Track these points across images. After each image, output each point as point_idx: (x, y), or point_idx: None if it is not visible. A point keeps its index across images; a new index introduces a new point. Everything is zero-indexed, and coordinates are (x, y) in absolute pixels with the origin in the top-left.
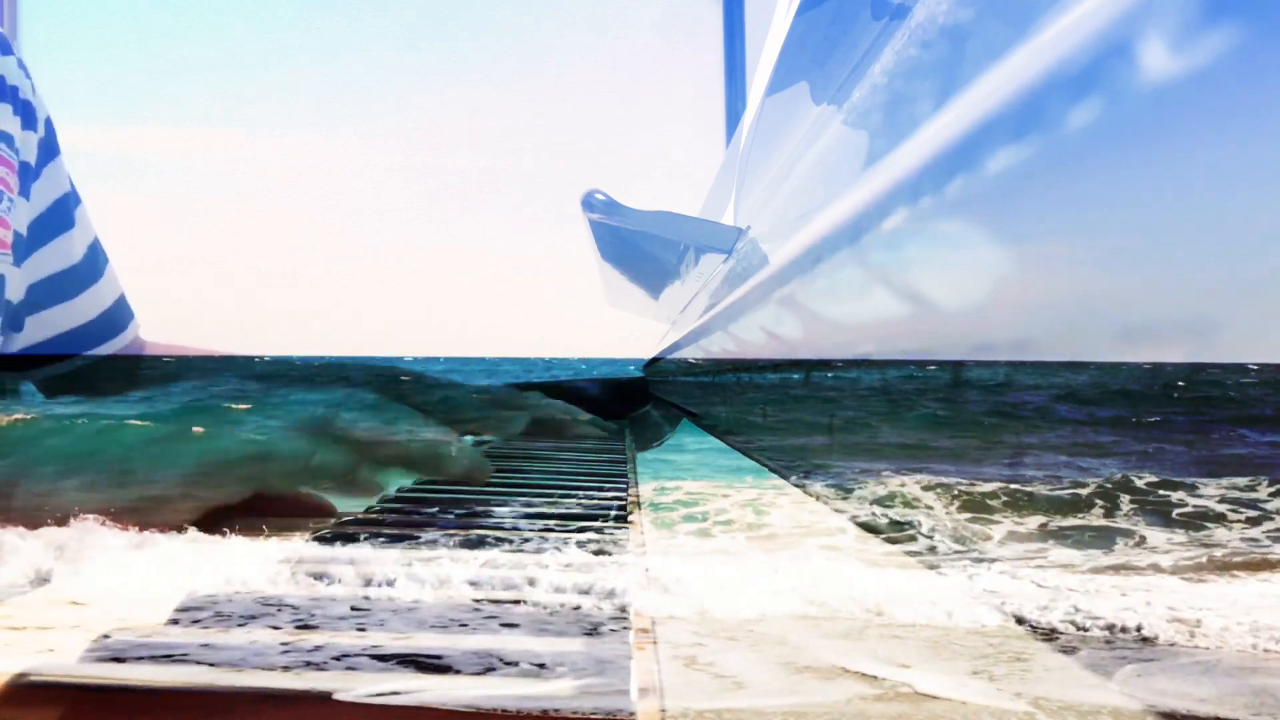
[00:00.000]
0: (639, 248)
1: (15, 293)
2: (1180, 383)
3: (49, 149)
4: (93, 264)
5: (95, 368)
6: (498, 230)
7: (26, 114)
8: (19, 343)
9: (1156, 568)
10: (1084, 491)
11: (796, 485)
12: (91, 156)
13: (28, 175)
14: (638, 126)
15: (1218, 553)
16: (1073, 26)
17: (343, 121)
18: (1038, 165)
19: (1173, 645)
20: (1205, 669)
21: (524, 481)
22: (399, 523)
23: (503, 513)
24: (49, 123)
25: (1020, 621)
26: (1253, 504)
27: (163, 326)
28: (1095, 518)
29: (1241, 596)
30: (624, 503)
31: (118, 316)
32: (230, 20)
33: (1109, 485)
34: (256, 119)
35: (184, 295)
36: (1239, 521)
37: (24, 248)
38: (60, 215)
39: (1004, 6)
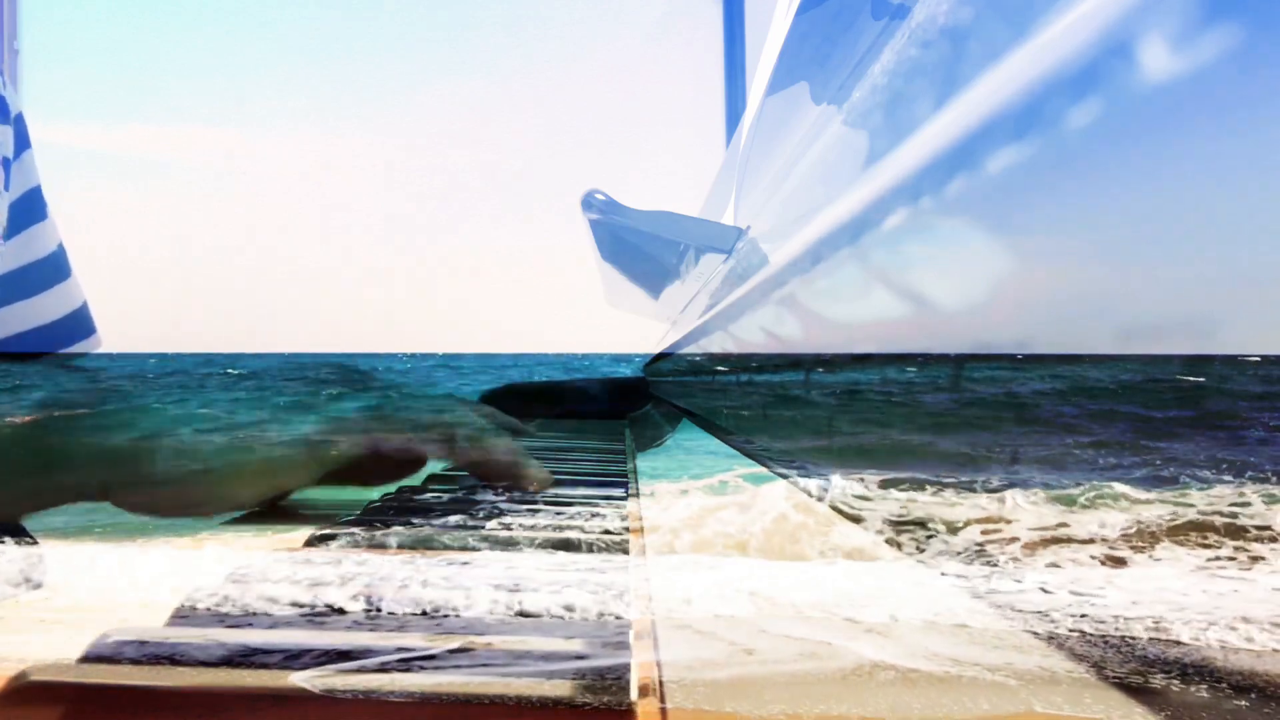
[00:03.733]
0: (639, 248)
1: None
2: (1180, 377)
3: (20, 142)
4: (61, 262)
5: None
6: (497, 228)
7: (1, 108)
8: None
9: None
10: (1078, 491)
11: (791, 482)
12: (90, 155)
13: (7, 168)
14: (638, 126)
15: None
16: (1073, 26)
17: (343, 119)
18: (1038, 164)
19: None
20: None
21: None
22: (399, 523)
23: (499, 509)
24: (20, 117)
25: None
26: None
27: (160, 322)
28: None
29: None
30: (624, 499)
31: (82, 322)
32: (229, 18)
33: (1102, 488)
34: (256, 117)
35: (183, 292)
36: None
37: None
38: (33, 207)
39: (1004, 6)
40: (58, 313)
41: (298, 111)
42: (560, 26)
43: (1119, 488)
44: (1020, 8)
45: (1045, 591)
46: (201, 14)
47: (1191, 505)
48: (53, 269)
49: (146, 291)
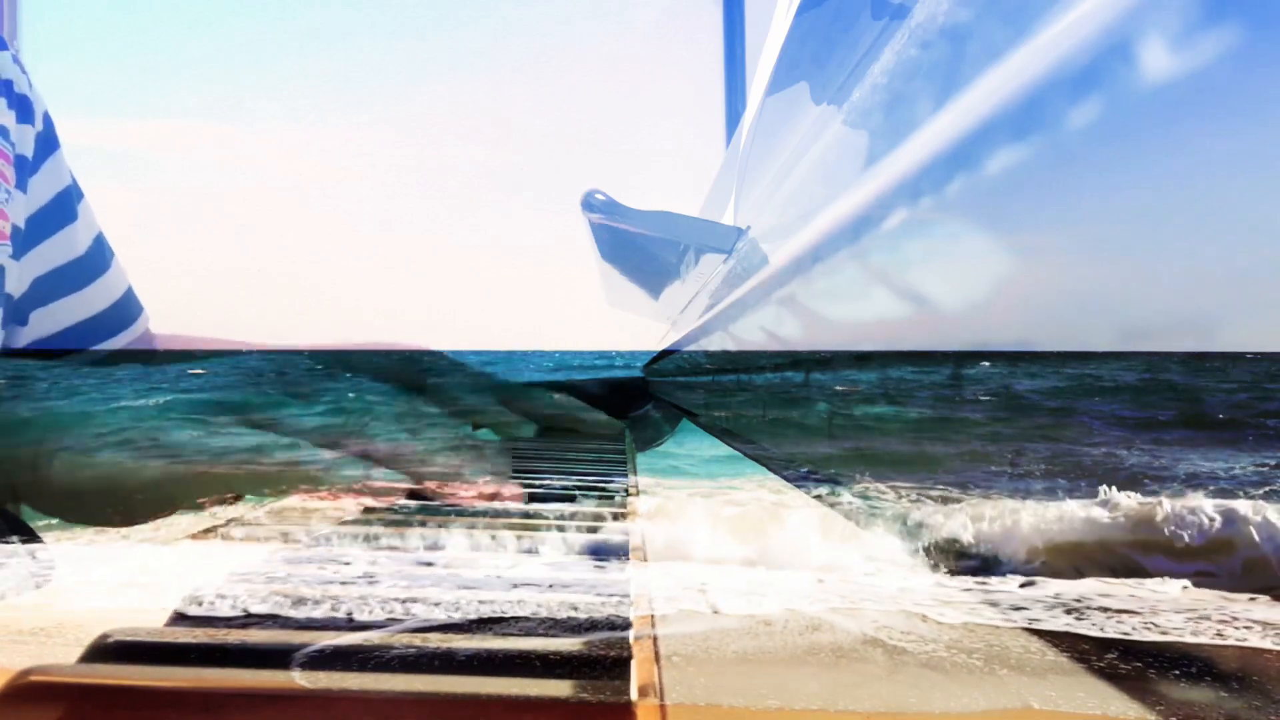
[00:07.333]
0: (639, 248)
1: (16, 286)
2: (1177, 377)
3: (48, 143)
4: (99, 256)
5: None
6: (497, 226)
7: (22, 107)
8: (24, 337)
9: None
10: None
11: (791, 482)
12: (93, 152)
13: (24, 169)
14: (638, 126)
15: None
16: (1072, 26)
17: (343, 116)
18: (1037, 163)
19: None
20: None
21: (522, 482)
22: (396, 522)
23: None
24: (47, 117)
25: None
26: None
27: (163, 321)
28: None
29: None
30: (624, 498)
31: (127, 309)
32: (230, 14)
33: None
34: (257, 113)
35: (184, 289)
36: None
37: (23, 241)
38: (62, 208)
39: (1004, 6)
40: (100, 306)
41: (297, 109)
42: (560, 26)
43: (1123, 491)
44: (1020, 8)
45: (1046, 590)
46: (202, 9)
47: (1189, 503)
48: (86, 268)
49: (147, 287)
